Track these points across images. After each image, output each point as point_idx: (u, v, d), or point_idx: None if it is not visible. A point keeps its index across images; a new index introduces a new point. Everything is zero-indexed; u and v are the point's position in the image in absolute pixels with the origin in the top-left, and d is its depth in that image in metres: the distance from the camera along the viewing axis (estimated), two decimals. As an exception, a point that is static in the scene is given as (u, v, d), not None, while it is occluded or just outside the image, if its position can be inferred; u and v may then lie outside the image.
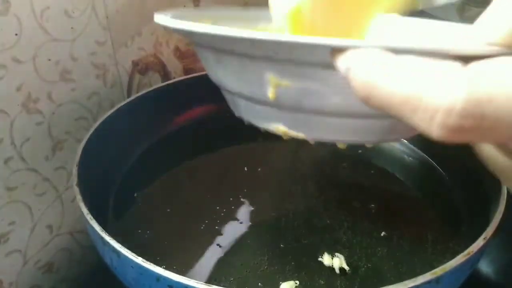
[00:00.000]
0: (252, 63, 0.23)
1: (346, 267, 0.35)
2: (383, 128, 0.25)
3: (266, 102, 0.24)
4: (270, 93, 0.23)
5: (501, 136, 0.16)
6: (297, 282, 0.34)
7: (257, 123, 0.27)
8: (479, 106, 0.15)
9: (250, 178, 0.46)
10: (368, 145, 0.32)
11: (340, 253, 0.37)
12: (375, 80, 0.17)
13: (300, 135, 0.25)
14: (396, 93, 0.16)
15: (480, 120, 0.15)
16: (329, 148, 0.51)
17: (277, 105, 0.24)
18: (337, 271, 0.35)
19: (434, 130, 0.16)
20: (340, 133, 0.25)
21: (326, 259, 0.36)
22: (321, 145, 0.26)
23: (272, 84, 0.23)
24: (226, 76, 0.26)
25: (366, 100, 0.17)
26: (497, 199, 0.35)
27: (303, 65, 0.21)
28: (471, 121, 0.15)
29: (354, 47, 0.17)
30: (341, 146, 0.28)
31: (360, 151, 0.51)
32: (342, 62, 0.18)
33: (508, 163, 0.18)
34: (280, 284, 0.34)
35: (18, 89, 0.40)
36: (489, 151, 0.19)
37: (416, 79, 0.16)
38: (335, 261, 0.35)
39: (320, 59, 0.20)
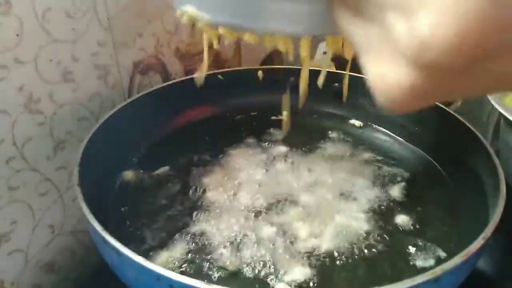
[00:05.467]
0: None
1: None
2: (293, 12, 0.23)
3: None
4: None
5: None
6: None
7: (175, 6, 0.27)
8: None
9: (250, 177, 0.46)
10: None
11: (336, 251, 0.37)
12: None
13: (206, 16, 0.25)
14: None
15: None
16: (329, 149, 0.51)
17: None
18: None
19: None
20: (251, 18, 0.24)
21: None
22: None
23: None
24: None
25: None
26: (496, 199, 0.35)
27: None
28: None
29: None
30: (248, 38, 0.26)
31: (357, 150, 0.51)
32: None
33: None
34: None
35: (20, 89, 0.40)
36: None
37: None
38: None
39: None
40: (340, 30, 0.20)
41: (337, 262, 0.36)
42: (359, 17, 0.18)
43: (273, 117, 0.56)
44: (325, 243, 0.38)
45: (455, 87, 0.17)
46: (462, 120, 0.46)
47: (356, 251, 0.37)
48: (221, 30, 0.26)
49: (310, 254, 0.37)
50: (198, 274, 0.35)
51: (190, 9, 0.25)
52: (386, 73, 0.17)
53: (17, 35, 0.38)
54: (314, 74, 0.58)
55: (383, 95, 0.17)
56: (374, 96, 0.18)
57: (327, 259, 0.37)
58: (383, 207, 0.42)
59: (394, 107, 0.18)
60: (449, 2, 0.14)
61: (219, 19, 0.25)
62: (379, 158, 0.50)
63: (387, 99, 0.17)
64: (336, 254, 0.37)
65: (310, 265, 0.36)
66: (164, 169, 0.47)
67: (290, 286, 0.34)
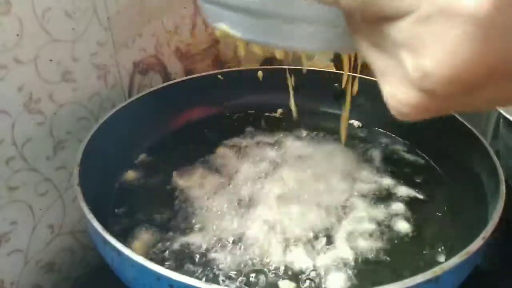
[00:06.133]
0: None
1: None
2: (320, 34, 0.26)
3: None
4: None
5: None
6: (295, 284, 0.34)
7: (210, 22, 0.30)
8: None
9: (250, 177, 0.46)
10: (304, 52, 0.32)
11: (335, 249, 0.37)
12: None
13: (238, 34, 0.27)
14: None
15: None
16: (328, 150, 0.51)
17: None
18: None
19: None
20: (277, 36, 0.26)
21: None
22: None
23: None
24: None
25: None
26: (496, 199, 0.35)
27: None
28: None
29: None
30: (278, 55, 0.30)
31: (357, 150, 0.51)
32: None
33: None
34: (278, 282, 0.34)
35: (20, 89, 0.40)
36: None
37: None
38: None
39: None
40: (360, 53, 0.24)
41: (337, 263, 0.36)
42: (377, 48, 0.22)
43: (266, 114, 0.57)
44: (321, 243, 0.38)
45: (456, 105, 0.22)
46: (462, 120, 0.46)
47: (355, 252, 0.37)
48: (253, 46, 0.29)
49: (309, 254, 0.37)
50: (198, 273, 0.35)
51: (224, 27, 0.28)
52: (397, 93, 0.21)
53: (17, 35, 0.38)
54: (314, 74, 0.58)
55: (395, 109, 0.22)
56: (388, 108, 0.23)
57: (324, 261, 0.37)
58: (382, 207, 0.42)
59: (404, 118, 0.23)
60: (447, 48, 0.18)
61: (249, 37, 0.27)
62: (379, 158, 0.50)
63: (399, 113, 0.22)
64: (335, 254, 0.37)
65: (310, 266, 0.36)
66: (163, 168, 0.47)
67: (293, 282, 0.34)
